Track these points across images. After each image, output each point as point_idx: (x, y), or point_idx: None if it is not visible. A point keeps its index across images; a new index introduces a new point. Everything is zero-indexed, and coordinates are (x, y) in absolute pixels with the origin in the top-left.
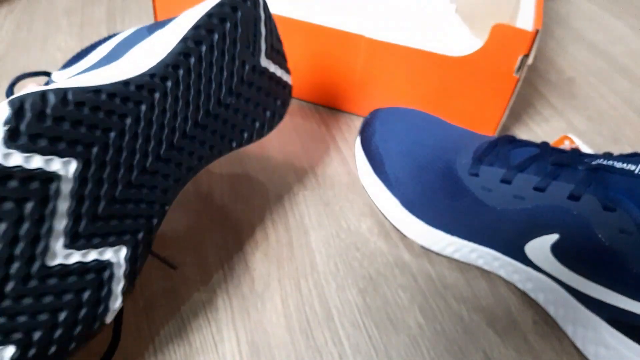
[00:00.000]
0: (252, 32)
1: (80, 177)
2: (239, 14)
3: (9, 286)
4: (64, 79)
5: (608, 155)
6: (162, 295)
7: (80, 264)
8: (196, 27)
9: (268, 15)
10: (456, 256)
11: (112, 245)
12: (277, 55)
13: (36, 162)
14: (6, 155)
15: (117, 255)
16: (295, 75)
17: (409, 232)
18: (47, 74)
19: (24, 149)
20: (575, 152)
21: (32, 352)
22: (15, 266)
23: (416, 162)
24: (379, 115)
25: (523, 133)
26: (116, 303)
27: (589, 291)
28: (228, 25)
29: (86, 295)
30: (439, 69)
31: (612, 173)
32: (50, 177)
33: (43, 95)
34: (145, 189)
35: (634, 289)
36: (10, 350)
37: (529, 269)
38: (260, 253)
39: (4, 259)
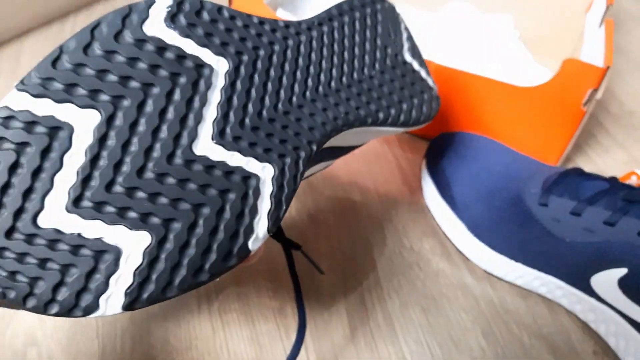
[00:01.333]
0: (392, 27)
1: (231, 78)
2: (378, 6)
3: (152, 160)
4: None
5: None
6: (235, 299)
7: (224, 163)
8: (339, 3)
9: (406, 26)
10: (519, 282)
11: (259, 158)
12: (422, 62)
13: (191, 47)
14: (165, 33)
15: (263, 172)
16: None
17: (473, 255)
18: None
19: (182, 32)
20: None
21: (167, 247)
22: (160, 140)
23: (484, 187)
24: (447, 139)
25: (584, 163)
26: (262, 227)
27: None
28: (368, 10)
29: (230, 197)
30: (508, 98)
31: None
32: (202, 64)
33: (201, 1)
34: (292, 117)
35: None
36: (145, 238)
37: (593, 300)
38: (325, 264)
39: (150, 130)
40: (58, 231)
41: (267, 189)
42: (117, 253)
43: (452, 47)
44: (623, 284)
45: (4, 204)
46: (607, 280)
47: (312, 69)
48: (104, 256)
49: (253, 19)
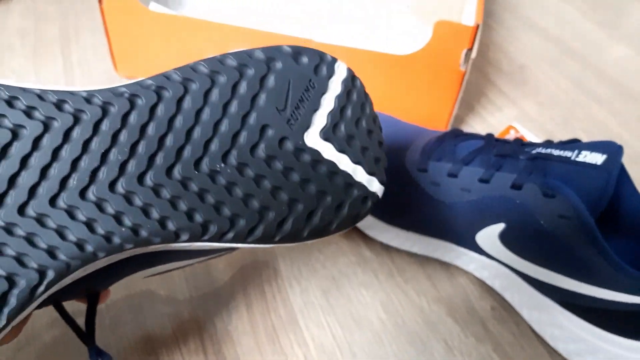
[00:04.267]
0: (295, 96)
1: None
2: (278, 65)
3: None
4: None
5: (548, 144)
6: (128, 311)
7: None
8: (195, 63)
9: (345, 94)
10: (414, 250)
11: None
12: (350, 145)
13: None
14: None
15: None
16: None
17: (369, 230)
18: None
19: None
20: (518, 142)
21: None
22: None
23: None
24: None
25: (477, 123)
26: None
27: (538, 276)
28: (250, 71)
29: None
30: (387, 67)
31: (550, 161)
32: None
33: None
34: (20, 232)
35: (578, 271)
36: None
37: (483, 258)
38: (223, 263)
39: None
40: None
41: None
42: None
43: (340, 24)
44: (503, 238)
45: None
46: (489, 236)
47: (85, 161)
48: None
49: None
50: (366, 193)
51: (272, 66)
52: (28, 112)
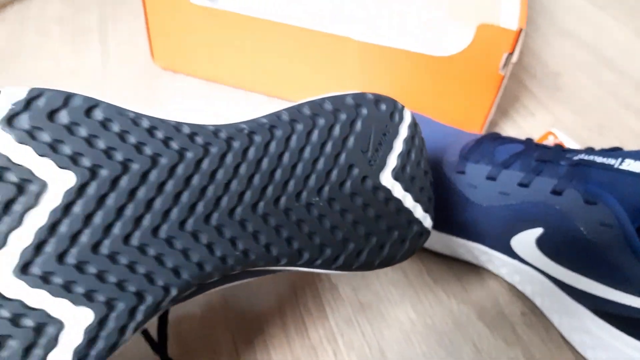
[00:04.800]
0: (376, 139)
1: (70, 198)
2: (364, 111)
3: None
4: None
5: (589, 150)
6: None
7: (20, 303)
8: (299, 105)
9: (411, 138)
10: (445, 252)
11: (74, 301)
12: (413, 185)
13: (25, 156)
14: None
15: (75, 318)
16: (283, 75)
17: None
18: None
19: (19, 138)
20: (558, 147)
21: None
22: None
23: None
24: None
25: (510, 128)
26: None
27: (573, 282)
28: (343, 116)
29: (10, 344)
30: (425, 69)
31: (593, 168)
32: (30, 180)
33: (70, 96)
34: (149, 254)
35: (615, 279)
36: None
37: (516, 262)
38: None
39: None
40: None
41: (72, 340)
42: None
43: (380, 25)
44: (540, 243)
45: None
46: (525, 241)
47: (210, 190)
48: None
49: (142, 122)
50: (422, 229)
51: (360, 112)
52: (165, 142)
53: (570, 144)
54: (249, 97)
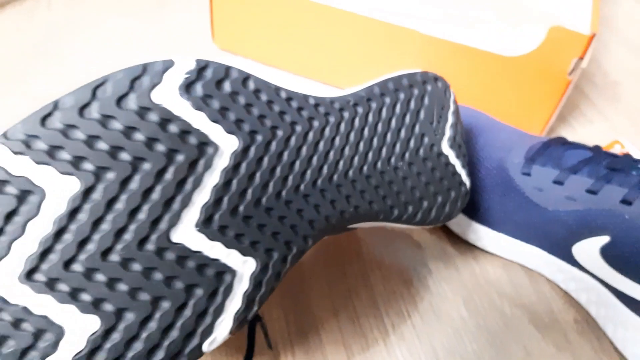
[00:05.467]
0: (438, 112)
1: (236, 159)
2: (429, 87)
3: (122, 243)
4: None
5: None
6: None
7: (201, 254)
8: (385, 81)
9: (456, 111)
10: (500, 253)
11: (243, 252)
12: (460, 152)
13: (201, 122)
14: (175, 103)
15: (243, 267)
16: (344, 64)
17: (455, 227)
18: None
19: (195, 104)
20: (628, 157)
21: (114, 337)
22: (137, 221)
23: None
24: None
25: (568, 134)
26: (224, 328)
27: (635, 294)
28: (416, 91)
29: (197, 293)
30: (492, 67)
31: None
32: (207, 142)
33: (228, 69)
34: (293, 208)
35: None
36: (93, 324)
37: (574, 269)
38: None
39: (128, 210)
40: (4, 300)
41: (242, 286)
42: (59, 334)
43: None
44: (605, 252)
45: None
46: (589, 249)
47: (331, 155)
48: (45, 335)
49: (281, 93)
50: (466, 190)
51: (426, 88)
52: (299, 111)
53: (636, 153)
54: (306, 83)
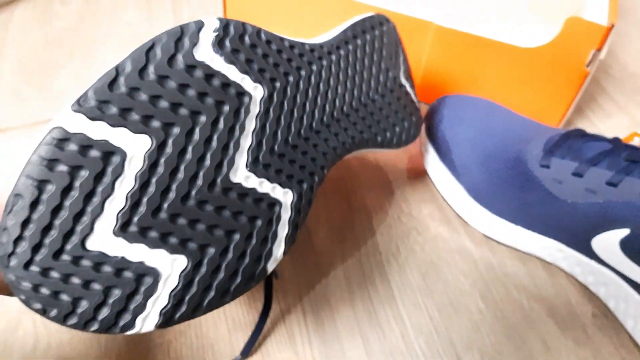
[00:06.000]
0: (394, 49)
1: (265, 105)
2: (385, 28)
3: (195, 188)
4: None
5: None
6: None
7: (255, 191)
8: (353, 24)
9: (402, 46)
10: (518, 246)
11: (282, 185)
12: (411, 82)
13: (235, 74)
14: (212, 59)
15: (285, 197)
16: None
17: (472, 219)
18: None
19: (227, 59)
20: None
21: (201, 271)
22: (204, 167)
23: (484, 150)
24: (447, 102)
25: (586, 127)
26: (279, 250)
27: None
28: (377, 32)
29: (258, 224)
30: (509, 59)
31: None
32: (243, 92)
33: (243, 24)
34: (311, 143)
35: None
36: (182, 262)
37: (593, 262)
38: (323, 231)
39: (195, 158)
40: (104, 254)
41: (287, 214)
42: (156, 276)
43: (458, 10)
44: (625, 244)
45: (55, 226)
46: (608, 242)
47: (330, 94)
48: (145, 279)
49: (285, 42)
50: (420, 114)
51: (382, 29)
52: (301, 56)
53: None
54: None
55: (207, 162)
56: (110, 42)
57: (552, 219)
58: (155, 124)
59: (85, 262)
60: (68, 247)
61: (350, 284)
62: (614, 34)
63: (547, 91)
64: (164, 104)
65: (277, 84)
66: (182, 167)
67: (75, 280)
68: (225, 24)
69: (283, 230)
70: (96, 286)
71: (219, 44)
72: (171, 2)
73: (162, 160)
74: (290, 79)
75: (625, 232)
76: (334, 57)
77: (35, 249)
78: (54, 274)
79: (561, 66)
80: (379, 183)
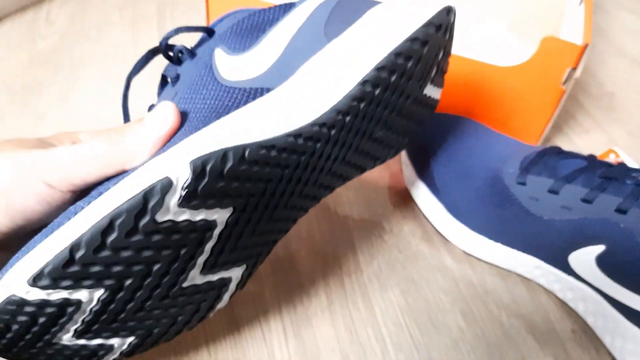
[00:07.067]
0: (430, 63)
1: (232, 222)
2: (426, 49)
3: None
4: (226, 63)
5: None
6: None
7: (208, 283)
8: (379, 69)
9: (451, 36)
10: (498, 263)
11: (238, 265)
12: (441, 76)
13: (200, 214)
14: (176, 213)
15: (237, 272)
16: None
17: (452, 236)
18: (209, 32)
19: (195, 208)
20: (623, 166)
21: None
22: (158, 289)
23: (463, 168)
24: (426, 120)
25: (564, 144)
26: (222, 304)
27: (631, 303)
28: (411, 63)
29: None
30: (487, 78)
31: None
32: (209, 226)
33: (224, 155)
34: (282, 221)
35: None
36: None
37: (571, 279)
38: (305, 251)
39: (148, 289)
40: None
41: (236, 282)
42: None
43: None
44: (601, 261)
45: None
46: (585, 258)
47: (317, 167)
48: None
49: (273, 151)
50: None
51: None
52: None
53: (630, 162)
54: None
55: (161, 288)
56: (95, 62)
57: (529, 236)
58: (109, 282)
59: None
60: None
61: (331, 303)
62: (590, 53)
63: (525, 109)
64: (118, 267)
65: (253, 198)
66: (138, 300)
67: None
68: (200, 170)
69: (228, 294)
70: None
71: (187, 199)
72: (156, 22)
73: (119, 301)
74: (270, 184)
75: (600, 248)
76: (333, 132)
77: None
78: None
79: (538, 84)
80: (361, 201)
